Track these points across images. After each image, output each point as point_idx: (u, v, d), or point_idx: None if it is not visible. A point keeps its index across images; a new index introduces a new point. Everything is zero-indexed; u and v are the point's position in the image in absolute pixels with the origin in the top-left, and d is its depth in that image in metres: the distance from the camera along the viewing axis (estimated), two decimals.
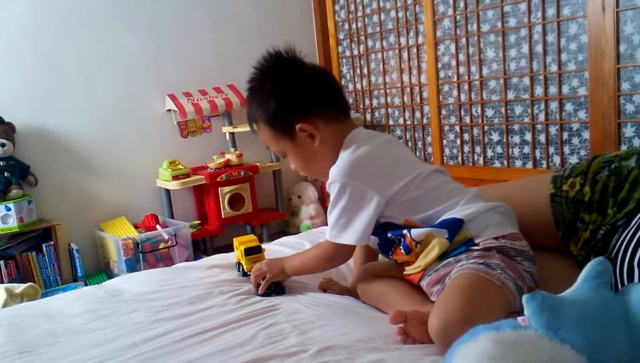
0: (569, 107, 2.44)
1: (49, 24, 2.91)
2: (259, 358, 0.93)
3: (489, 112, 2.79)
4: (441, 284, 1.02)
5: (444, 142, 3.05)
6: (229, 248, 1.59)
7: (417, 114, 3.20)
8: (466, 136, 2.92)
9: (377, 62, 3.39)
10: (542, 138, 2.56)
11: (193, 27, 3.31)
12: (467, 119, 2.89)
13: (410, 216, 1.09)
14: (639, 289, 0.74)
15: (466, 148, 2.94)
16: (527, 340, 0.68)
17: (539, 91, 2.54)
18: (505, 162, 2.74)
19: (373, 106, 3.48)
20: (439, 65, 2.99)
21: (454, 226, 1.04)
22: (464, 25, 2.81)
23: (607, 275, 0.74)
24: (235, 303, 1.22)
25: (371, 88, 3.46)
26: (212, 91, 3.29)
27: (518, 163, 2.69)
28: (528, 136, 2.62)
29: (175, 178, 3.01)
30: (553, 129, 2.52)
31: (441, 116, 3.03)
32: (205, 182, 3.04)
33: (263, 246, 1.43)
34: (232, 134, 3.32)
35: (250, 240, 1.42)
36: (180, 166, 3.09)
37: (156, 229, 2.95)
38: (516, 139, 2.68)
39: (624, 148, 2.25)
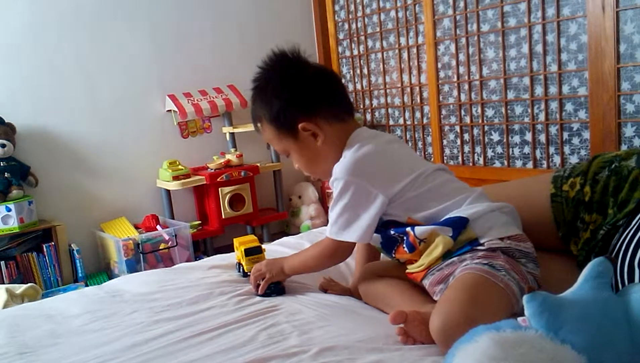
0: (569, 107, 2.44)
1: (49, 24, 2.91)
2: (259, 359, 0.93)
3: (489, 112, 2.79)
4: (444, 283, 1.02)
5: (444, 142, 3.05)
6: (230, 249, 1.59)
7: (417, 114, 3.20)
8: (466, 136, 2.92)
9: (377, 62, 3.39)
10: (542, 137, 2.56)
11: (193, 28, 3.31)
12: (467, 119, 2.89)
13: (414, 214, 1.08)
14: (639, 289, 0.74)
15: (466, 148, 2.94)
16: (528, 340, 0.68)
17: (539, 90, 2.54)
18: (506, 162, 2.74)
19: (373, 106, 3.48)
20: (439, 65, 2.99)
21: (458, 224, 1.03)
22: (463, 25, 2.80)
23: (608, 275, 0.74)
24: (235, 303, 1.22)
25: (371, 88, 3.46)
26: (212, 91, 3.29)
27: (518, 163, 2.69)
28: (528, 136, 2.62)
29: (175, 178, 3.01)
30: (553, 129, 2.52)
31: (441, 116, 3.03)
32: (205, 182, 3.04)
33: (263, 246, 1.43)
34: (232, 134, 3.32)
35: (250, 240, 1.43)
36: (180, 167, 3.09)
37: (156, 229, 2.96)
38: (516, 139, 2.68)
39: (624, 147, 2.25)
